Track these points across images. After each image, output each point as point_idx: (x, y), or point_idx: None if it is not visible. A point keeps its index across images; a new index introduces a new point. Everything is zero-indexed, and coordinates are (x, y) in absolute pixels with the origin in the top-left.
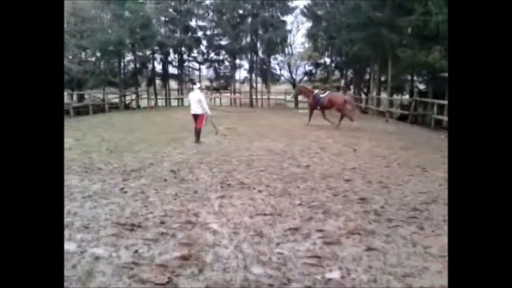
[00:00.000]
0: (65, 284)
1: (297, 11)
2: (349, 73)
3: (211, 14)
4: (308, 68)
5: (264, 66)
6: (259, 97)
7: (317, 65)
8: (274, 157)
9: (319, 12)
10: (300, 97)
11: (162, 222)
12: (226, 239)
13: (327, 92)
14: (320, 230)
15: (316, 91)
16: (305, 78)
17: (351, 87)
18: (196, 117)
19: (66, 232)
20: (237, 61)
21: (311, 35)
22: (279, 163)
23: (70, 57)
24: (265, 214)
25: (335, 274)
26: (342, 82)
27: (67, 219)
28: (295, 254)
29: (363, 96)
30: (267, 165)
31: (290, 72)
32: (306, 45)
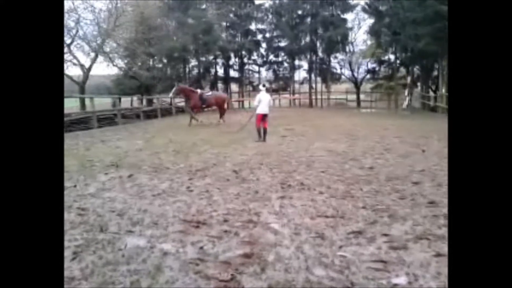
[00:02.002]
0: (136, 277)
1: (358, 8)
2: (416, 69)
3: (270, 16)
4: (371, 65)
5: (324, 66)
6: (318, 97)
7: (380, 62)
8: (335, 158)
9: (381, 8)
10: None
11: (225, 220)
12: (287, 239)
13: (210, 92)
14: (386, 234)
15: (199, 91)
16: (368, 76)
17: (418, 84)
18: (265, 116)
19: (137, 228)
20: (296, 62)
21: (373, 32)
22: (340, 164)
23: (139, 64)
24: (326, 216)
25: (402, 280)
26: (409, 79)
27: (138, 216)
28: (359, 258)
29: (431, 93)
30: (328, 166)
31: (352, 70)
32: (369, 42)
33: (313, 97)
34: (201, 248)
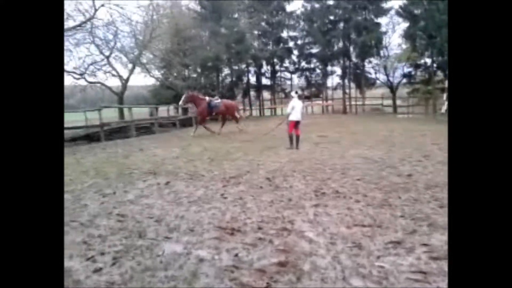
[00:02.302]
0: (173, 283)
1: (392, 12)
2: None
3: (301, 23)
4: (406, 69)
5: (358, 71)
6: (353, 103)
7: (416, 66)
8: (372, 166)
9: (416, 11)
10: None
11: (260, 228)
12: (323, 248)
13: (219, 100)
14: (425, 244)
15: (207, 98)
16: (404, 80)
17: None
18: (298, 124)
19: (174, 235)
20: (329, 68)
21: (408, 36)
22: (377, 171)
23: (175, 74)
24: (363, 225)
25: None
26: (446, 83)
27: (174, 222)
28: (398, 269)
29: None
30: (364, 173)
31: (387, 75)
32: (404, 46)
33: (347, 103)
34: (236, 255)
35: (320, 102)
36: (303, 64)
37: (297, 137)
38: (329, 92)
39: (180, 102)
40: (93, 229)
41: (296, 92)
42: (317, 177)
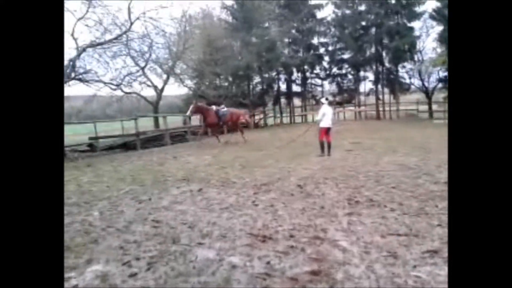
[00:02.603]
0: None
1: (425, 15)
2: None
3: (332, 30)
4: (442, 74)
5: (391, 76)
6: (386, 108)
7: None
8: (407, 173)
9: None
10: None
11: (291, 236)
12: (357, 258)
13: (226, 108)
14: None
15: (214, 107)
16: (440, 85)
17: None
18: (329, 130)
19: (207, 241)
20: (361, 73)
21: (443, 39)
22: (413, 179)
23: (207, 83)
24: (399, 235)
25: None
26: None
27: (207, 228)
28: (435, 279)
29: None
30: (399, 181)
31: (422, 80)
32: (438, 49)
33: (381, 108)
34: (268, 263)
35: (353, 108)
36: (335, 70)
37: (329, 144)
38: (362, 98)
39: (188, 113)
40: (129, 234)
41: (327, 99)
42: (350, 185)
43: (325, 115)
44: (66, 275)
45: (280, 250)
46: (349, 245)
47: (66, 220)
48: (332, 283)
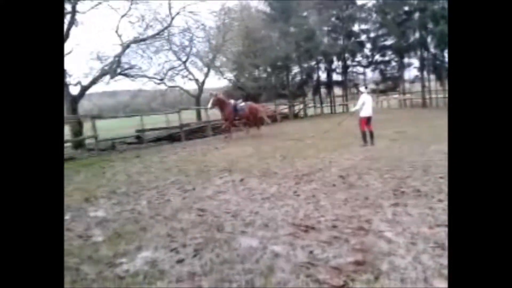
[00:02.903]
0: (250, 276)
1: None
2: None
3: (374, 15)
4: None
5: (437, 62)
6: (433, 96)
7: None
8: None
9: None
10: None
11: (334, 226)
12: (403, 248)
13: (244, 103)
14: None
15: (232, 101)
16: None
17: None
18: (370, 119)
19: (249, 229)
20: (405, 60)
21: None
22: None
23: (246, 75)
24: (447, 226)
25: None
26: None
27: (250, 218)
28: None
29: None
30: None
31: None
32: None
33: (427, 96)
34: (311, 252)
35: (397, 96)
36: (377, 57)
37: (371, 133)
38: (407, 85)
39: (209, 105)
40: (175, 222)
41: (366, 87)
42: (396, 175)
43: (365, 104)
44: (117, 260)
45: (323, 240)
46: (395, 236)
47: (117, 209)
48: (377, 273)
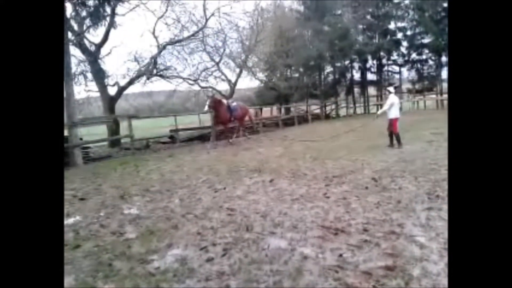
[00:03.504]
0: (278, 278)
1: None
2: None
3: (411, 13)
4: None
5: None
6: None
7: None
8: None
9: None
10: None
11: (365, 230)
12: (435, 254)
13: (235, 102)
14: None
15: (224, 101)
16: None
17: None
18: (397, 121)
19: (278, 230)
20: (443, 59)
21: None
22: None
23: (278, 75)
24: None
25: None
26: None
27: (278, 218)
28: None
29: None
30: None
31: None
32: None
33: None
34: (340, 255)
35: (434, 96)
36: (414, 55)
37: (397, 135)
38: (444, 85)
39: (205, 108)
40: (206, 221)
41: (395, 88)
42: (431, 178)
43: (394, 105)
44: (148, 257)
45: (353, 244)
46: (428, 241)
47: (150, 206)
48: (408, 279)
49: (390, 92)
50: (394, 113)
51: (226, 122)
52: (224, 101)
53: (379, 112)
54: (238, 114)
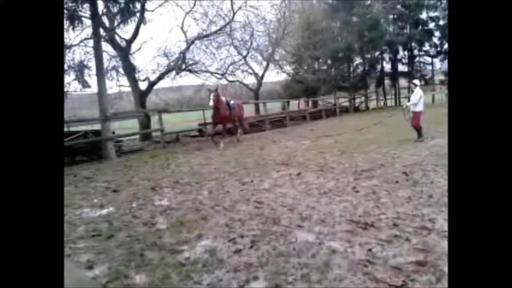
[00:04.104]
0: (306, 271)
1: None
2: None
3: (443, 2)
4: None
5: None
6: None
7: None
8: None
9: None
10: None
11: (395, 225)
12: None
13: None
14: None
15: (223, 98)
16: None
17: None
18: (421, 114)
19: (306, 224)
20: None
21: None
22: None
23: (305, 68)
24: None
25: None
26: None
27: (306, 212)
28: None
29: None
30: None
31: None
32: None
33: None
34: (370, 250)
35: None
36: (446, 46)
37: (420, 129)
38: None
39: (210, 103)
40: (234, 213)
41: (420, 80)
42: None
43: (422, 97)
44: (179, 247)
45: (382, 238)
46: None
47: (180, 198)
48: (440, 275)
49: (416, 85)
50: (419, 107)
51: (227, 120)
52: (223, 98)
53: (409, 103)
54: (236, 112)
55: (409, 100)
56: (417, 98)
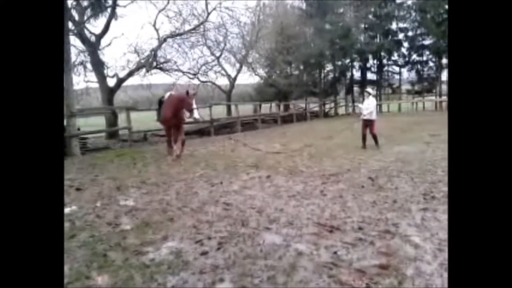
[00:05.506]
0: (272, 273)
1: None
2: None
3: (413, 14)
4: None
5: None
6: None
7: None
8: None
9: None
10: None
11: (360, 228)
12: (430, 254)
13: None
14: None
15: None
16: None
17: None
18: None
19: (274, 226)
20: (443, 61)
21: None
22: None
23: (278, 72)
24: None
25: None
26: None
27: (274, 214)
28: None
29: None
30: None
31: None
32: None
33: None
34: (335, 253)
35: (433, 98)
36: (414, 57)
37: (375, 137)
38: (444, 87)
39: (193, 105)
40: (202, 215)
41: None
42: (427, 179)
43: (375, 106)
44: (143, 249)
45: (348, 242)
46: (422, 241)
47: (146, 198)
48: (401, 278)
49: (369, 94)
50: (374, 115)
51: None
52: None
53: (366, 112)
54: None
55: (359, 108)
56: (373, 106)
